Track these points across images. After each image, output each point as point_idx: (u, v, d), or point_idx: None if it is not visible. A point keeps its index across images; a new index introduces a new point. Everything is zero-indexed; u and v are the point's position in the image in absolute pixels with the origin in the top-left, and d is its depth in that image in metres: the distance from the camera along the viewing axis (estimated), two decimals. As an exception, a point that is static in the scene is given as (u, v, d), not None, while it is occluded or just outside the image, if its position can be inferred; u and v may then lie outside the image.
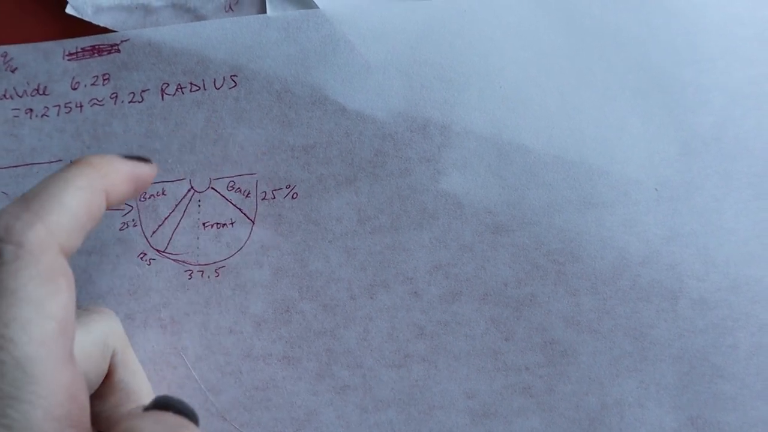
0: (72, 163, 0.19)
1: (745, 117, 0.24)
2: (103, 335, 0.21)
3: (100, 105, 0.26)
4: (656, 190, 0.24)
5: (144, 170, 0.21)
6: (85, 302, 0.25)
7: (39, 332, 0.16)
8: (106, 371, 0.21)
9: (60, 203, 0.17)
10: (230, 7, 0.26)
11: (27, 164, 0.26)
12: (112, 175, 0.19)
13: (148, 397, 0.22)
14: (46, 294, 0.16)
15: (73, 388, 0.16)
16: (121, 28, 0.26)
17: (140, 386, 0.22)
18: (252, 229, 0.25)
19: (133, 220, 0.25)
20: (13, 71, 0.26)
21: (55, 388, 0.15)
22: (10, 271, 0.16)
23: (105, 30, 0.26)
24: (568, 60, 0.25)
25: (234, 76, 0.26)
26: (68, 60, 0.26)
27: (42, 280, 0.16)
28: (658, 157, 0.24)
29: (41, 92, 0.26)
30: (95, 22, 0.26)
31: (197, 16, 0.25)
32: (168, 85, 0.26)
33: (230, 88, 0.26)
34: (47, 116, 0.26)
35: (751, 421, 0.23)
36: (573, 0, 0.25)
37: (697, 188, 0.24)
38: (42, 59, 0.26)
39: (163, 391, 0.24)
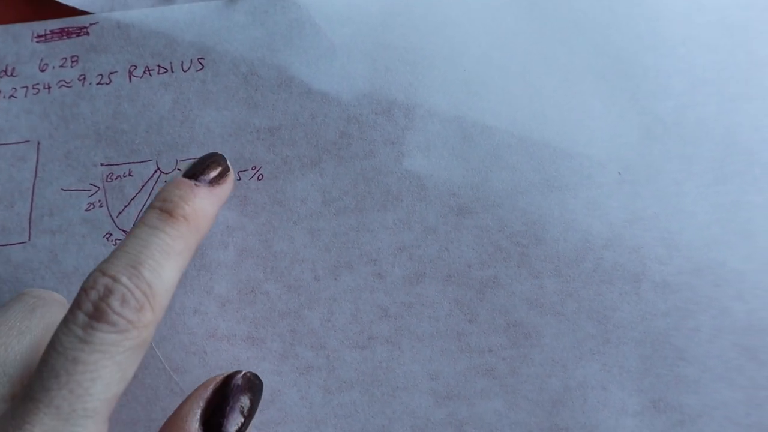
0: (165, 213, 0.20)
1: (706, 102, 0.25)
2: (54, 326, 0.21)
3: (68, 87, 0.26)
4: (619, 173, 0.24)
5: (226, 194, 0.22)
6: (51, 283, 0.25)
7: (113, 392, 0.17)
8: None
9: (165, 281, 0.18)
10: (201, -9, 0.26)
11: (-6, 145, 0.26)
12: (203, 225, 0.20)
13: None
14: (132, 361, 0.18)
15: None
16: (89, 8, 0.26)
17: None
18: (217, 210, 0.25)
19: (99, 200, 0.25)
20: (-19, 53, 0.26)
21: None
22: (116, 339, 0.17)
23: (73, 10, 0.26)
24: (531, 44, 0.25)
25: (201, 58, 0.26)
26: (37, 42, 0.26)
27: (135, 350, 0.18)
28: (621, 140, 0.25)
29: (9, 73, 0.26)
30: (63, 1, 0.26)
31: (163, -5, 0.26)
32: (136, 67, 0.26)
33: (197, 71, 0.26)
34: (15, 97, 0.26)
35: (713, 404, 0.23)
36: (536, -15, 0.26)
37: (658, 172, 0.24)
38: (11, 41, 0.26)
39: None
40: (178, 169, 0.25)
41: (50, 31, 0.26)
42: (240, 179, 0.25)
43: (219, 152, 0.24)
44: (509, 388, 0.24)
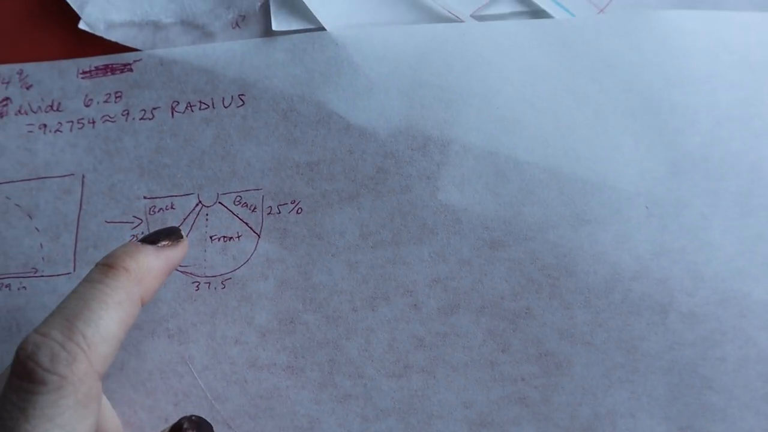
0: (106, 266, 0.19)
1: (732, 138, 0.25)
2: None
3: (112, 121, 0.27)
4: (647, 207, 0.25)
5: (175, 256, 0.21)
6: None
7: None
8: None
9: (102, 330, 0.18)
10: (237, 24, 0.27)
11: (40, 178, 0.27)
12: (147, 279, 0.20)
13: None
14: (79, 419, 0.17)
15: None
16: (131, 44, 0.27)
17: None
18: (258, 242, 0.26)
19: (142, 232, 0.26)
20: (28, 88, 0.27)
21: None
22: (51, 399, 0.16)
23: (116, 46, 0.27)
24: (562, 82, 0.26)
25: (242, 95, 0.26)
26: (82, 78, 0.27)
27: (78, 407, 0.17)
28: (649, 175, 0.25)
29: (55, 108, 0.27)
30: (107, 37, 0.27)
31: (205, 32, 0.26)
32: (178, 103, 0.27)
33: (238, 107, 0.26)
34: (60, 132, 0.27)
35: (739, 432, 0.24)
36: (567, 26, 0.26)
37: (685, 206, 0.25)
38: (57, 77, 0.27)
39: (170, 400, 0.25)
40: (220, 203, 0.26)
41: (95, 67, 0.27)
42: (280, 213, 0.26)
43: (178, 227, 0.23)
44: (541, 416, 0.24)
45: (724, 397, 0.24)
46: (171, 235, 0.22)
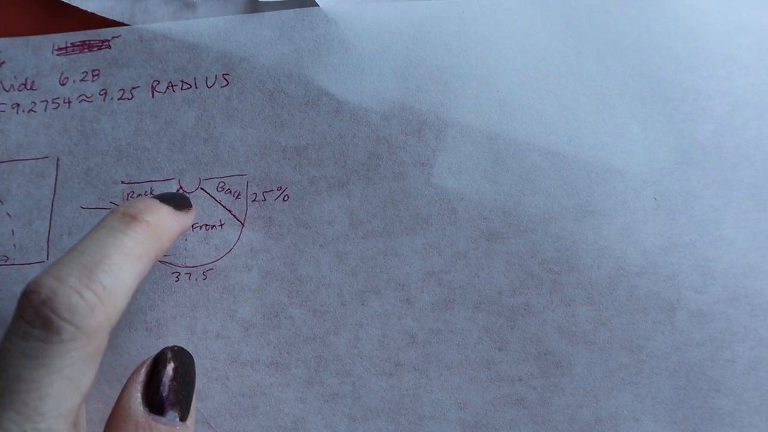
0: (128, 216, 0.19)
1: (746, 126, 0.24)
2: None
3: (88, 101, 0.25)
4: (655, 199, 0.24)
5: (187, 223, 0.21)
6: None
7: (67, 408, 0.16)
8: None
9: (121, 283, 0.17)
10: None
11: (12, 160, 0.25)
12: (164, 238, 0.20)
13: None
14: (85, 372, 0.16)
15: None
16: (109, 15, 0.25)
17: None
18: (241, 231, 0.24)
19: (119, 219, 0.25)
20: (0, 65, 0.26)
21: None
22: (63, 350, 0.16)
23: (94, 20, 0.25)
24: (566, 64, 0.25)
25: (226, 74, 0.25)
26: (57, 55, 0.26)
27: (88, 360, 0.16)
28: (657, 165, 0.24)
29: (29, 87, 0.26)
30: (82, 7, 0.25)
31: (186, 3, 0.25)
32: (159, 82, 0.25)
33: (222, 87, 0.25)
34: (34, 111, 0.25)
35: (749, 437, 0.23)
36: (572, 4, 0.25)
37: (696, 198, 0.24)
38: (30, 53, 0.26)
39: (147, 396, 0.24)
40: (202, 189, 0.25)
41: (71, 43, 0.26)
42: (265, 200, 0.25)
43: (187, 197, 0.23)
44: (539, 419, 0.23)
45: (733, 401, 0.23)
46: (184, 202, 0.21)
